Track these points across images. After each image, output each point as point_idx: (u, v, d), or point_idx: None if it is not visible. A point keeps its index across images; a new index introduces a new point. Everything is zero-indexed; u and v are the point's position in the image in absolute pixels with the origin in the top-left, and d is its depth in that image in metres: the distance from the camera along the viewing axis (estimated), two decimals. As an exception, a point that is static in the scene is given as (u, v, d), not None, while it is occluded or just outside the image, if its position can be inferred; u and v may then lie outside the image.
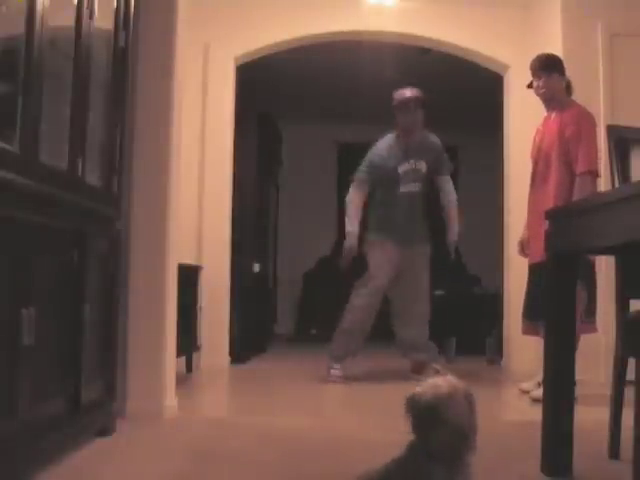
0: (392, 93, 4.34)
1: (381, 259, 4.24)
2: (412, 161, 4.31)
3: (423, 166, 4.32)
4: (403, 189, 4.29)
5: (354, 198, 4.34)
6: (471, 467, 1.39)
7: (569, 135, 3.42)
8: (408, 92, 4.33)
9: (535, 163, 3.66)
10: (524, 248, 3.78)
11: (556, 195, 3.42)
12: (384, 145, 4.37)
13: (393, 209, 4.31)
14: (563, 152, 3.45)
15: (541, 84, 3.62)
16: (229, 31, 4.77)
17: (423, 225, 4.40)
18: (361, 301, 4.23)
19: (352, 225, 4.29)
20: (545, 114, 3.69)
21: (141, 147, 2.87)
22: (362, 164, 4.38)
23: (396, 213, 4.30)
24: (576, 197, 3.30)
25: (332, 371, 4.20)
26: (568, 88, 3.63)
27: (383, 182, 4.33)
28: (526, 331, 3.64)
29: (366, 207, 4.41)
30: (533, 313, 3.51)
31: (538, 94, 3.66)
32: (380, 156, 4.34)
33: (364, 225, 4.41)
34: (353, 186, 4.36)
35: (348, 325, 4.22)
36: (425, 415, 1.35)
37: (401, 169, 4.29)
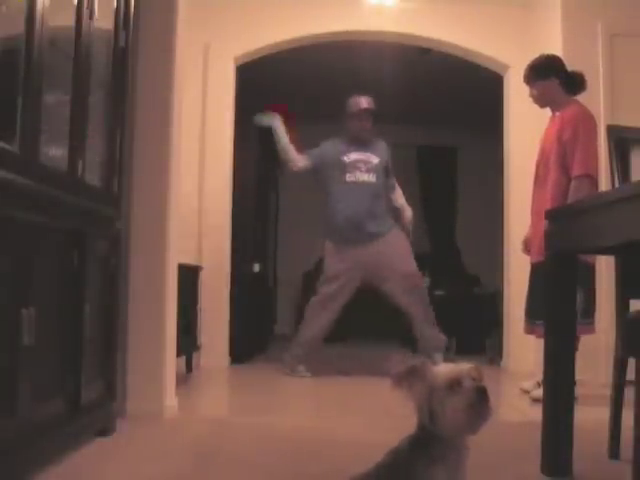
0: (347, 100, 4.37)
1: (334, 266, 4.29)
2: (361, 152, 4.29)
3: (375, 159, 4.30)
4: (350, 178, 4.25)
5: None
6: (465, 468, 1.39)
7: (566, 138, 3.40)
8: (364, 102, 4.34)
9: (537, 164, 3.65)
10: (527, 247, 3.78)
11: (553, 197, 3.41)
12: (330, 142, 4.41)
13: (341, 203, 4.26)
14: (560, 154, 3.43)
15: (535, 92, 3.60)
16: (229, 31, 4.77)
17: (385, 219, 4.32)
18: (312, 313, 4.33)
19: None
20: (549, 114, 3.68)
21: (141, 147, 2.87)
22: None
23: (345, 207, 4.24)
24: (570, 200, 3.28)
25: (299, 367, 4.33)
26: (574, 84, 3.55)
27: (328, 173, 4.31)
28: (528, 330, 3.63)
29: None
30: (533, 312, 3.51)
31: (535, 103, 3.66)
32: (324, 148, 4.38)
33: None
34: None
35: (303, 339, 4.36)
36: (415, 369, 1.36)
37: (348, 158, 4.27)
